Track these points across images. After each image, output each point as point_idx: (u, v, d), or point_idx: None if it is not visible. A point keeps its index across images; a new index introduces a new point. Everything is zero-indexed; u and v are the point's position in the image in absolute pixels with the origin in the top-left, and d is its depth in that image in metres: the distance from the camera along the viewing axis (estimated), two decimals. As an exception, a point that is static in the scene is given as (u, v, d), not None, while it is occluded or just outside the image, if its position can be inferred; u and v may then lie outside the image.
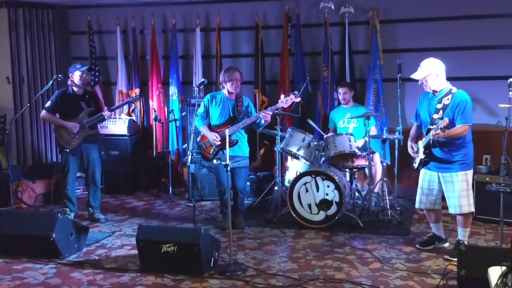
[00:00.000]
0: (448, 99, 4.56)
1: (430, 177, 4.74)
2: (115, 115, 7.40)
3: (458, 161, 4.57)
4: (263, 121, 5.60)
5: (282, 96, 5.64)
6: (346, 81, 6.70)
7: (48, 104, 5.98)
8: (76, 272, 4.53)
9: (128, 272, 4.50)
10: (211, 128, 5.69)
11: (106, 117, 5.97)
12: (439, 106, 4.61)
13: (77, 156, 5.98)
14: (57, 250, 4.76)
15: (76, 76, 5.89)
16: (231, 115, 5.67)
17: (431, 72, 4.56)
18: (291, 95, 5.57)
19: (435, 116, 4.63)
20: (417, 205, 4.89)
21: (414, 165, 4.82)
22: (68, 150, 5.89)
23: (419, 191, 4.83)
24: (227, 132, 4.80)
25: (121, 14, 7.86)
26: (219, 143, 5.56)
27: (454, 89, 4.59)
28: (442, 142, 4.57)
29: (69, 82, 5.97)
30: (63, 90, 6.02)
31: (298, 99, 5.67)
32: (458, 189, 4.58)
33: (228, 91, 5.67)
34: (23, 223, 4.89)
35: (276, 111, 5.81)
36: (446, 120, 4.37)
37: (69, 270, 4.59)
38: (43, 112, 5.98)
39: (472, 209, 4.62)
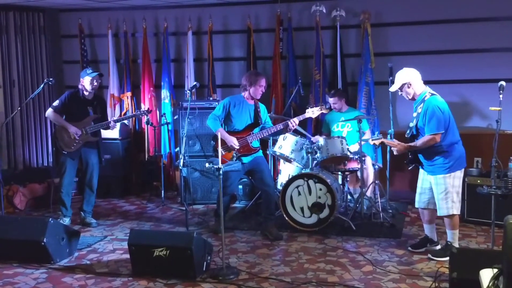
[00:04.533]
0: (421, 107, 4.64)
1: (424, 177, 4.84)
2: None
3: (438, 164, 4.63)
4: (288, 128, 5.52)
5: (310, 108, 5.62)
6: (336, 90, 6.58)
7: (56, 103, 5.92)
8: (68, 277, 4.50)
9: (120, 277, 4.48)
10: (228, 132, 5.49)
11: (111, 128, 5.93)
12: (415, 114, 4.73)
13: (75, 160, 5.92)
14: (48, 254, 4.73)
15: (86, 81, 5.84)
16: (252, 121, 5.58)
17: (405, 82, 4.68)
18: (320, 107, 5.62)
19: (411, 124, 4.76)
20: (415, 204, 4.97)
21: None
22: (66, 153, 5.84)
23: (417, 190, 4.91)
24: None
25: (112, 17, 7.84)
26: (237, 147, 5.40)
27: (428, 95, 4.65)
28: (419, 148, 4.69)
29: (80, 86, 5.92)
30: (73, 91, 5.97)
31: (327, 111, 5.74)
32: (437, 192, 4.67)
33: (249, 96, 5.53)
34: (14, 228, 4.86)
35: (270, 115, 5.81)
36: (378, 139, 4.88)
37: (61, 275, 4.56)
38: (50, 111, 5.92)
39: (451, 212, 4.63)
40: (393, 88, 4.81)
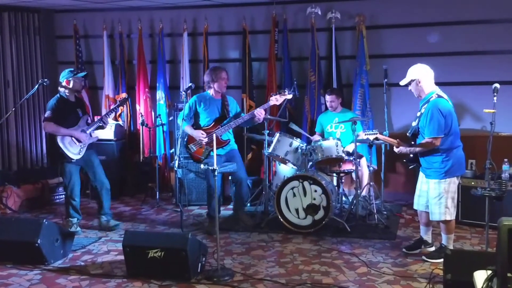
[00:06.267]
0: (425, 107, 4.62)
1: (423, 179, 4.84)
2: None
3: (434, 168, 4.64)
4: (255, 119, 5.63)
5: (273, 96, 5.68)
6: (333, 88, 6.65)
7: (48, 113, 5.63)
8: (62, 278, 4.49)
9: (114, 278, 4.47)
10: (196, 128, 5.70)
11: (106, 123, 5.90)
12: (418, 114, 4.71)
13: (79, 165, 5.79)
14: (42, 256, 4.72)
15: (72, 83, 5.69)
16: (220, 114, 5.70)
17: (414, 78, 4.66)
18: (283, 92, 5.67)
19: (413, 123, 4.75)
20: (414, 206, 4.98)
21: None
22: (74, 160, 5.65)
23: (416, 192, 4.92)
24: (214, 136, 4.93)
25: (107, 18, 7.83)
26: (206, 139, 5.56)
27: (434, 97, 4.62)
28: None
29: (61, 89, 5.72)
30: (58, 97, 5.71)
31: (290, 96, 5.78)
32: (431, 196, 4.68)
33: (215, 91, 5.71)
34: (8, 229, 4.85)
35: (265, 116, 5.84)
36: (373, 134, 4.92)
37: (55, 276, 4.55)
38: (46, 124, 5.62)
39: (444, 217, 4.64)
40: (402, 82, 4.76)
